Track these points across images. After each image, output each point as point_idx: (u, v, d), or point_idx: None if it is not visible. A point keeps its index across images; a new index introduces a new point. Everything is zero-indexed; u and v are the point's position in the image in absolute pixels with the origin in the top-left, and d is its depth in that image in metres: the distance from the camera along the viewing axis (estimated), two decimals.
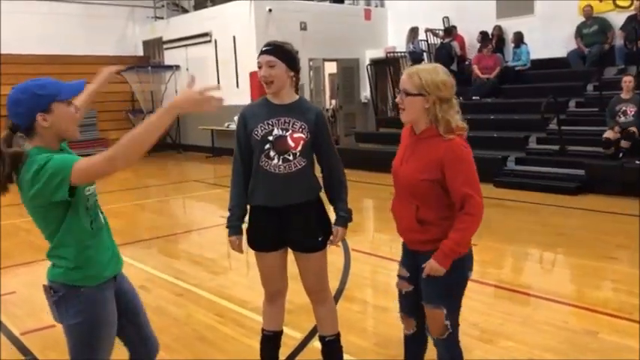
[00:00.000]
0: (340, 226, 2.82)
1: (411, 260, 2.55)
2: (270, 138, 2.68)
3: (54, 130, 2.02)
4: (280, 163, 2.68)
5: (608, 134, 8.00)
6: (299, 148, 2.68)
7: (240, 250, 2.85)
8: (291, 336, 3.53)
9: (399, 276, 2.65)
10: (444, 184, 2.32)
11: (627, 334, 3.56)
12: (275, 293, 2.96)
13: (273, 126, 2.69)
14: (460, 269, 2.41)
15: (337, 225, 2.83)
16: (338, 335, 2.98)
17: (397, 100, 2.42)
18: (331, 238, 2.83)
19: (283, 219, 2.75)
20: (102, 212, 2.23)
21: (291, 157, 2.68)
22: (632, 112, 8.04)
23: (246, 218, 2.89)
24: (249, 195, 2.81)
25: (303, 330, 3.69)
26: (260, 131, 2.70)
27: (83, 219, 2.07)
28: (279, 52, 2.68)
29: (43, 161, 1.91)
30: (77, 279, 2.08)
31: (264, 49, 2.70)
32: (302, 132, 2.69)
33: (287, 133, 2.68)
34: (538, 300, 4.27)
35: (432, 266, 2.34)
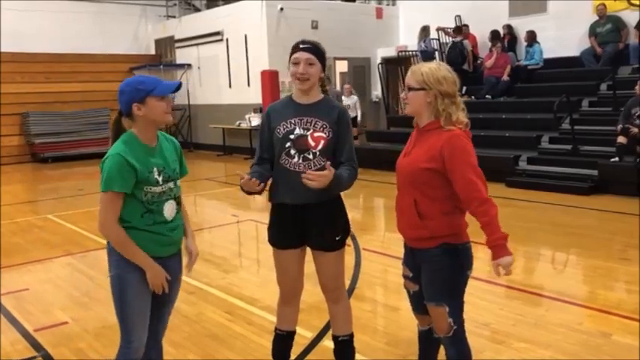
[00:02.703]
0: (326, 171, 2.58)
1: (412, 258, 2.58)
2: (292, 137, 2.70)
3: (147, 118, 2.42)
4: (300, 161, 2.70)
5: (621, 139, 7.86)
6: (319, 147, 2.69)
7: (259, 191, 2.65)
8: (302, 335, 3.53)
9: (404, 276, 2.68)
10: (444, 174, 2.38)
11: None
12: (290, 292, 2.95)
13: (295, 125, 2.71)
14: (459, 267, 2.47)
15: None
16: (351, 336, 2.97)
17: (402, 95, 2.54)
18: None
19: (303, 216, 2.75)
20: (178, 211, 2.57)
21: (311, 156, 2.70)
22: None
23: (267, 216, 2.90)
24: (270, 192, 2.83)
25: (314, 329, 3.69)
26: (282, 129, 2.73)
27: (137, 207, 2.42)
28: (318, 52, 2.71)
29: (109, 155, 2.38)
30: None
31: (303, 46, 2.69)
32: (323, 131, 2.71)
33: (308, 133, 2.70)
34: (551, 301, 4.23)
35: (499, 263, 2.32)
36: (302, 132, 2.70)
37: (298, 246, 2.83)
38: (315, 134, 2.69)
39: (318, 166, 2.69)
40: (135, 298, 2.46)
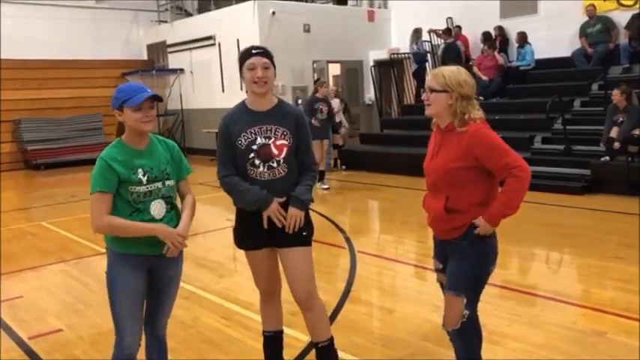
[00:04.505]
0: (292, 206, 2.74)
1: (442, 250, 2.65)
2: (254, 147, 2.72)
3: (127, 124, 2.55)
4: (265, 170, 2.74)
5: (615, 145, 7.87)
6: (283, 155, 2.73)
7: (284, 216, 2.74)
8: (298, 338, 3.53)
9: (436, 269, 2.75)
10: (477, 168, 2.47)
11: (636, 334, 3.53)
12: (269, 292, 2.98)
13: (255, 134, 2.73)
14: (485, 260, 2.55)
15: (290, 205, 2.75)
16: (331, 339, 2.96)
17: (423, 97, 2.61)
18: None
19: (268, 219, 2.76)
20: (168, 211, 2.62)
21: (275, 165, 2.73)
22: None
23: (233, 217, 2.92)
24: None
25: None
26: (244, 141, 2.74)
27: (123, 206, 2.54)
28: (270, 56, 2.77)
29: (99, 157, 2.50)
30: (109, 240, 2.60)
31: (256, 51, 2.74)
32: (284, 138, 2.74)
33: (270, 141, 2.72)
34: (545, 300, 4.25)
35: (481, 225, 2.48)
36: (264, 141, 2.72)
37: (267, 245, 2.85)
38: (278, 142, 2.73)
39: (283, 174, 2.74)
40: (123, 296, 2.57)
